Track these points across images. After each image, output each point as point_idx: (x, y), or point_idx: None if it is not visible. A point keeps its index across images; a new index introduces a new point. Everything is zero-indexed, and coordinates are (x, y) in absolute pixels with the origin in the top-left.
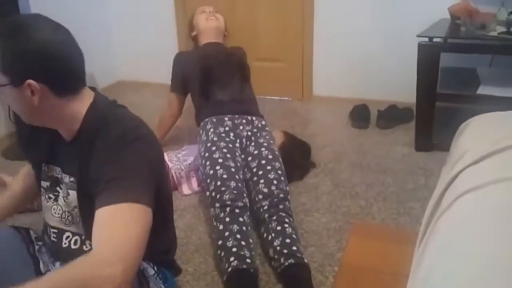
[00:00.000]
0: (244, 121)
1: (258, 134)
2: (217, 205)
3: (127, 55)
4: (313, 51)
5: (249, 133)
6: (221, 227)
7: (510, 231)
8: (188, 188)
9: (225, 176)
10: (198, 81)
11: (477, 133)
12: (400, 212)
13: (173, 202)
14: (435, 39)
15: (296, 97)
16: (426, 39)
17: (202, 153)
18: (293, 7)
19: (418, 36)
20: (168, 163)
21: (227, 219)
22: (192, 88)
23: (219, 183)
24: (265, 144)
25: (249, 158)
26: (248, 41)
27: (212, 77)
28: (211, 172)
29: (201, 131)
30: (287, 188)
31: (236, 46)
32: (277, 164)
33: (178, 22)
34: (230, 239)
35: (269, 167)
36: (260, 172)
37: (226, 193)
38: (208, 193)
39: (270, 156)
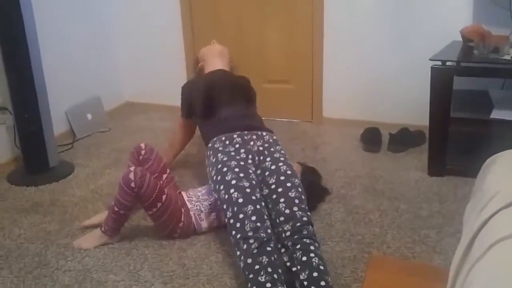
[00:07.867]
0: (254, 136)
1: (272, 149)
2: (239, 236)
3: (135, 77)
4: (323, 73)
5: (261, 148)
6: (249, 260)
7: None
8: (207, 226)
9: (240, 200)
10: (202, 101)
11: (506, 172)
12: (416, 241)
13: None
14: (448, 63)
15: (306, 119)
16: (439, 63)
17: (214, 177)
18: (303, 29)
19: (430, 59)
20: (188, 203)
21: (254, 252)
22: (198, 112)
23: (235, 209)
24: (281, 158)
25: (266, 173)
26: (257, 63)
27: (216, 97)
28: (226, 197)
29: (209, 152)
30: (307, 207)
31: (240, 75)
32: (296, 181)
33: (186, 45)
34: (262, 273)
35: (289, 184)
36: (280, 190)
37: (246, 222)
38: (226, 219)
39: (289, 172)
